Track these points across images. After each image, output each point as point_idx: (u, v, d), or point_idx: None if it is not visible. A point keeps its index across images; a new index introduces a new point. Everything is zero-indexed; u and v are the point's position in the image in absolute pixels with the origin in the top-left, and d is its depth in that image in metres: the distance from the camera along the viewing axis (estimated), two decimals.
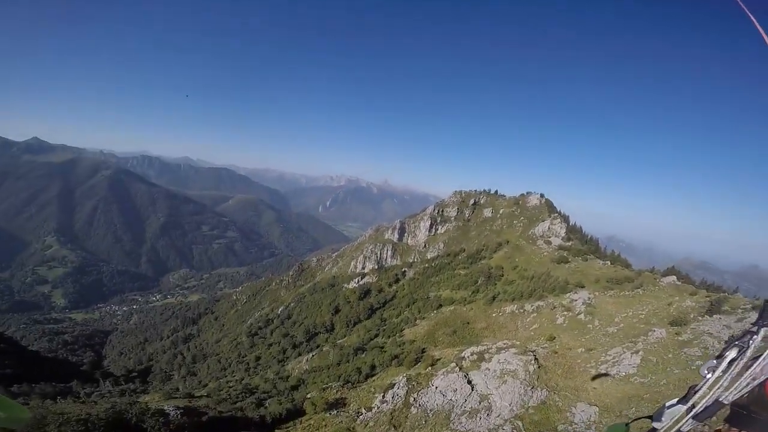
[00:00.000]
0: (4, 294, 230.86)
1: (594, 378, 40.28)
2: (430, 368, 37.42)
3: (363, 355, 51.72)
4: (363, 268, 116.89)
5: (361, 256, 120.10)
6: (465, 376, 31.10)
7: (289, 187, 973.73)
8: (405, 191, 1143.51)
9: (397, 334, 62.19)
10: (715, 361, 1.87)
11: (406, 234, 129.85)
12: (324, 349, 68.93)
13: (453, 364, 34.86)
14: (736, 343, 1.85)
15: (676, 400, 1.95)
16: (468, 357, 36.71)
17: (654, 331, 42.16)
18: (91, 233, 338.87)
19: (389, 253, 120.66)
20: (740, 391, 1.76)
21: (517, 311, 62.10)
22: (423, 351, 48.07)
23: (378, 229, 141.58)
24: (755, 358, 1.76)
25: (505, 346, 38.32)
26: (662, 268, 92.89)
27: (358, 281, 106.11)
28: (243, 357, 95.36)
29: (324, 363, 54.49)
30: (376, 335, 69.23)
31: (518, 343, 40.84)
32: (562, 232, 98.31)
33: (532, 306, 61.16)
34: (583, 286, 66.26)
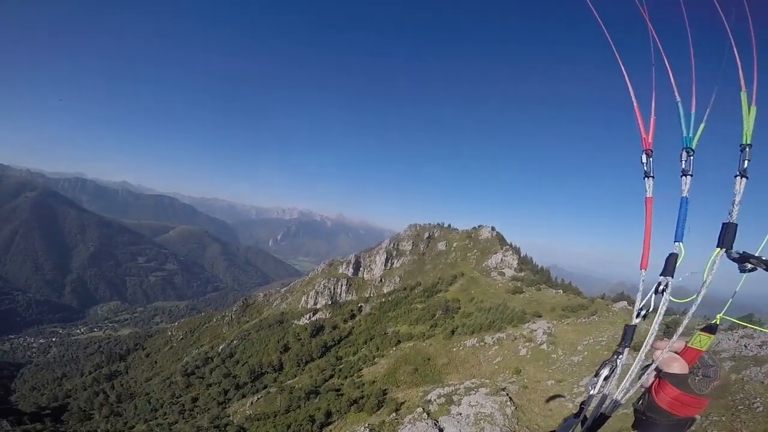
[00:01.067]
0: None
1: (549, 400, 39.16)
2: (394, 414, 33.58)
3: (317, 400, 46.32)
4: (315, 303, 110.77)
5: (313, 291, 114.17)
6: (435, 424, 27.76)
7: (237, 218, 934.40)
8: (360, 225, 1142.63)
9: (355, 374, 57.32)
10: (595, 379, 2.12)
11: (361, 268, 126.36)
12: (271, 391, 61.92)
13: (419, 409, 31.41)
14: (607, 362, 2.15)
15: (572, 415, 2.14)
16: (435, 400, 33.51)
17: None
18: (6, 259, 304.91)
19: (344, 288, 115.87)
20: (614, 405, 2.07)
21: (477, 344, 60.13)
22: (384, 393, 44.00)
23: (332, 264, 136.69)
24: (642, 371, 2.10)
25: (473, 385, 35.62)
26: (599, 293, 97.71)
27: (310, 317, 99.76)
28: (177, 398, 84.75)
29: (270, 409, 48.15)
30: (332, 376, 63.64)
31: (487, 381, 38.30)
32: (515, 263, 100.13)
33: (492, 338, 59.61)
34: (540, 316, 66.32)
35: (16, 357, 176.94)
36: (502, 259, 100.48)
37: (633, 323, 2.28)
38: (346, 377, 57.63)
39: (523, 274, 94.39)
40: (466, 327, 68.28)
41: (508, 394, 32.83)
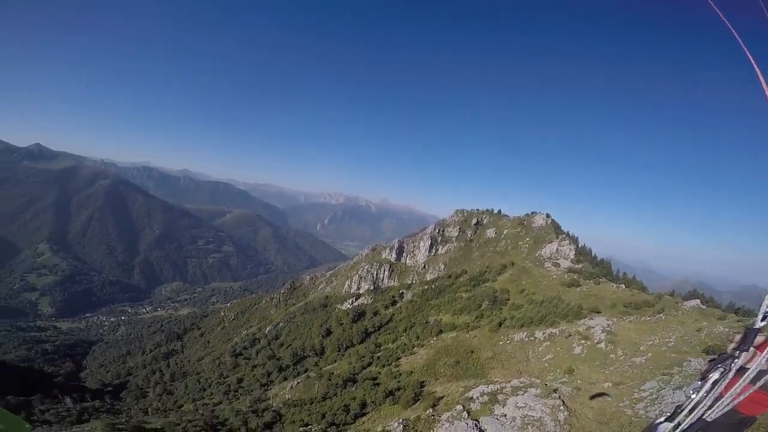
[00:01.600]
0: None
1: (593, 397, 34.55)
2: (431, 410, 31.01)
3: (353, 388, 45.11)
4: (358, 288, 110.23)
5: (356, 276, 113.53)
6: (476, 425, 24.83)
7: (288, 203, 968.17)
8: (404, 210, 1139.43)
9: (393, 364, 55.46)
10: (699, 382, 2.06)
11: (404, 254, 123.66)
12: (311, 375, 61.99)
13: (459, 407, 28.59)
14: (719, 366, 2.06)
15: (663, 418, 2.08)
16: (477, 398, 30.46)
17: (689, 361, 36.54)
18: (84, 242, 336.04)
19: (386, 273, 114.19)
20: (722, 409, 1.98)
21: (527, 339, 55.76)
22: (422, 386, 41.66)
23: (375, 249, 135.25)
24: (734, 380, 2.03)
25: (522, 384, 32.06)
26: (660, 289, 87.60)
27: (352, 302, 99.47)
28: (224, 378, 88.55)
29: (308, 395, 47.75)
30: (370, 363, 62.39)
31: (537, 381, 34.42)
32: (571, 254, 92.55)
33: (543, 333, 54.90)
34: (599, 312, 60.37)
35: (89, 335, 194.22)
36: (557, 249, 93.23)
37: (757, 326, 2.16)
38: (384, 366, 55.95)
39: (580, 265, 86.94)
40: (514, 320, 63.86)
41: (560, 397, 29.05)
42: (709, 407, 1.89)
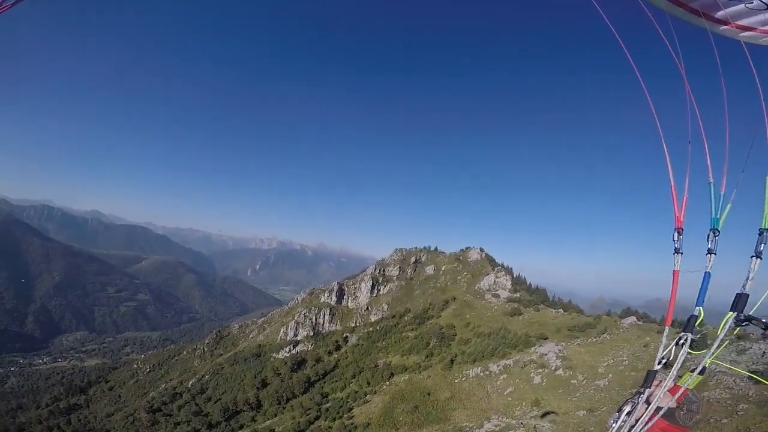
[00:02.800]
0: None
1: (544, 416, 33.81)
2: None
3: None
4: (295, 335, 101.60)
5: (293, 322, 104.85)
6: None
7: (214, 249, 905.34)
8: (341, 253, 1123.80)
9: (345, 416, 49.67)
10: (617, 414, 2.67)
11: (345, 296, 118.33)
12: None
13: None
14: (628, 400, 2.73)
15: None
16: None
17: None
18: None
19: (326, 317, 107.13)
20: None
21: (482, 374, 53.93)
22: None
23: (313, 292, 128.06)
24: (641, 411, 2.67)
25: (497, 428, 29.32)
26: (589, 311, 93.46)
27: (290, 350, 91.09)
28: None
29: None
30: (317, 417, 55.60)
31: (512, 422, 31.97)
32: (509, 284, 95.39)
33: (497, 366, 53.61)
34: (546, 338, 61.23)
35: None
36: (495, 281, 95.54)
37: (654, 369, 2.78)
38: (334, 419, 49.89)
39: (518, 294, 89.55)
40: (466, 355, 62.10)
41: None
42: None
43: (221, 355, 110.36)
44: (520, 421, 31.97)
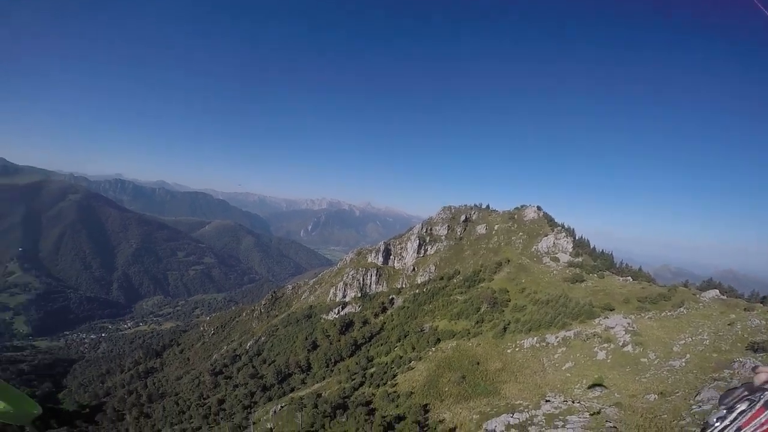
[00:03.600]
0: None
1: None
2: None
3: (344, 419, 37.88)
4: (344, 296, 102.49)
5: (341, 283, 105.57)
6: None
7: (269, 211, 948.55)
8: (388, 213, 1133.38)
9: (389, 382, 48.37)
10: (725, 411, 2.05)
11: (391, 256, 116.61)
12: (294, 397, 54.21)
13: None
14: (749, 397, 2.06)
15: None
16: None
17: (738, 361, 31.19)
18: (57, 259, 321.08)
19: (373, 278, 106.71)
20: None
21: (538, 345, 49.64)
22: (426, 411, 34.80)
23: (360, 253, 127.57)
24: (759, 412, 2.08)
25: (556, 411, 25.48)
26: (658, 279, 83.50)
27: (339, 311, 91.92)
28: (204, 399, 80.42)
29: (291, 428, 40.18)
30: (362, 383, 55.09)
31: (575, 405, 27.80)
32: (570, 247, 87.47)
33: (556, 338, 48.87)
34: (612, 309, 54.86)
35: (69, 353, 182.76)
36: (554, 243, 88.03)
37: None
38: (378, 385, 48.82)
39: (580, 259, 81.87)
40: (520, 323, 57.78)
41: (615, 426, 22.59)
42: None
43: (276, 316, 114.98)
44: (583, 403, 27.73)
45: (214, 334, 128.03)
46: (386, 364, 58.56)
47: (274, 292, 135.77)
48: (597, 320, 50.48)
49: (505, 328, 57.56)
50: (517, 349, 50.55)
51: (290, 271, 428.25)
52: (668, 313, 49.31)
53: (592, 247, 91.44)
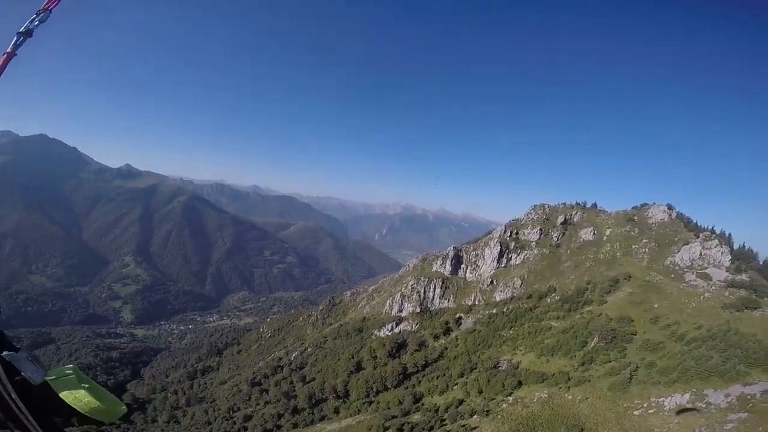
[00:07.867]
0: (81, 307, 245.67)
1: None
2: None
3: None
4: (400, 310, 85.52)
5: (399, 294, 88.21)
6: None
7: (347, 215, 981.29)
8: (463, 218, 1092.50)
9: None
10: None
11: (462, 265, 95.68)
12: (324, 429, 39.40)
13: None
14: None
15: None
16: None
17: None
18: (164, 254, 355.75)
19: (437, 291, 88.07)
20: None
21: (691, 405, 28.49)
22: None
23: (425, 259, 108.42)
24: None
25: None
26: None
27: (392, 328, 76.04)
28: (233, 412, 72.13)
29: None
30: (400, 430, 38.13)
31: None
32: (725, 260, 60.13)
33: (726, 396, 27.14)
34: None
35: (159, 342, 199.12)
36: (701, 254, 61.38)
37: None
38: None
39: (746, 276, 54.61)
40: (656, 370, 36.14)
41: None
42: None
43: (330, 324, 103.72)
44: None
45: (270, 336, 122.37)
46: (437, 409, 40.90)
47: (332, 298, 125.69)
48: None
49: (631, 376, 36.32)
50: (651, 411, 29.68)
51: (363, 273, 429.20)
52: None
53: (761, 261, 62.12)
